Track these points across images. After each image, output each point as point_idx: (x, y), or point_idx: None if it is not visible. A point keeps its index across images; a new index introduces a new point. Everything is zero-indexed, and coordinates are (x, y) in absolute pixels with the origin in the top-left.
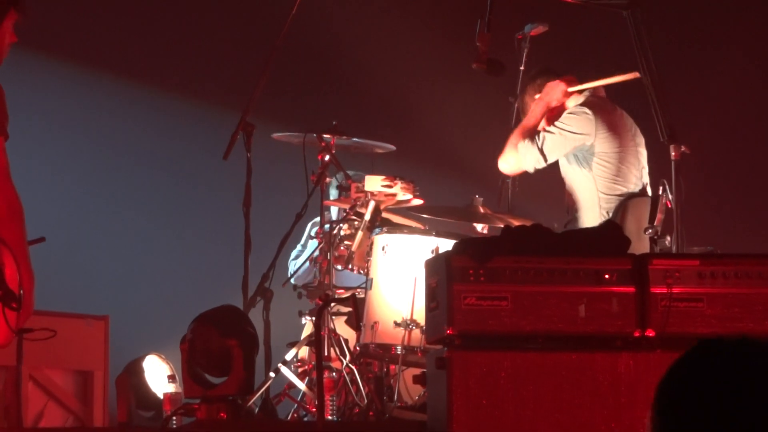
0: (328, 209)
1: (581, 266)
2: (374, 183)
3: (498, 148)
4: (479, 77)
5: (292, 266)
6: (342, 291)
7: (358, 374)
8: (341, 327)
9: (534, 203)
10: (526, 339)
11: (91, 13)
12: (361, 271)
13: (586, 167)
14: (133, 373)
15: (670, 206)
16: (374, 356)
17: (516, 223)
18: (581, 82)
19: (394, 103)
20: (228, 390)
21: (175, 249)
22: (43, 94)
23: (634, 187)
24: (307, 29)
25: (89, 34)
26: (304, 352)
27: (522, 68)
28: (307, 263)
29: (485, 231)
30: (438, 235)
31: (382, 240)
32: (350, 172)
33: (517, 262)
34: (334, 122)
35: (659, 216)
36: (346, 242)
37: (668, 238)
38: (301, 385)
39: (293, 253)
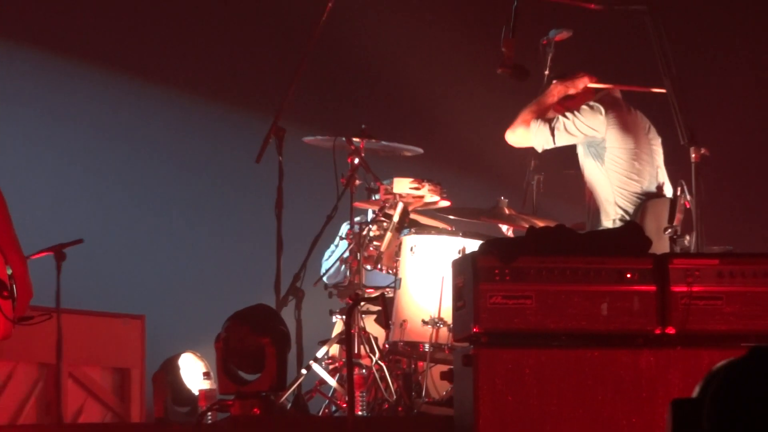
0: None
1: (603, 266)
2: (402, 185)
3: (519, 149)
4: (505, 82)
5: (325, 266)
6: (371, 290)
7: (387, 371)
8: (371, 325)
9: (558, 205)
10: (550, 337)
11: (130, 21)
12: (390, 271)
13: (599, 161)
14: (170, 370)
15: (688, 206)
16: (403, 353)
17: (540, 224)
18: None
19: (422, 107)
20: (261, 386)
21: (209, 250)
22: (88, 103)
23: (648, 184)
24: (336, 35)
25: (132, 42)
26: (334, 349)
27: (547, 72)
28: (338, 263)
29: (510, 232)
30: (464, 235)
31: (410, 241)
32: (386, 181)
33: (541, 262)
34: (363, 126)
35: (678, 216)
36: (375, 243)
37: (687, 237)
38: (332, 382)
39: (326, 253)
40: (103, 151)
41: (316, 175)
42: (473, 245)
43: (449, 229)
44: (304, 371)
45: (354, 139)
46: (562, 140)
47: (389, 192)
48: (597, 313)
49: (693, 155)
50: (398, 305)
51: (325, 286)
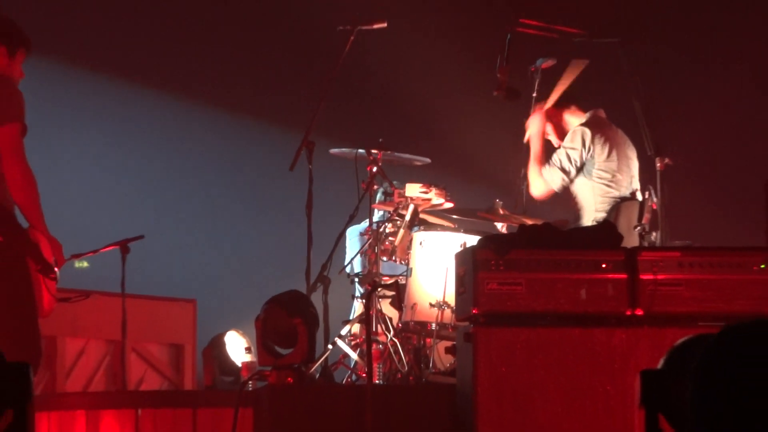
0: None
1: (582, 257)
2: (413, 189)
3: (514, 160)
4: (500, 102)
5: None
6: (387, 278)
7: (400, 346)
8: (386, 308)
9: (544, 206)
10: (537, 317)
11: (179, 44)
12: (403, 262)
13: (587, 176)
14: (217, 345)
15: (655, 208)
16: (413, 331)
17: (530, 222)
18: (584, 108)
19: (430, 123)
20: (294, 359)
21: (251, 244)
22: (147, 119)
23: (625, 191)
24: (357, 61)
25: (184, 66)
26: (356, 328)
27: (534, 95)
28: (359, 257)
29: (504, 229)
30: (465, 232)
31: (419, 236)
32: (395, 182)
33: (530, 255)
34: (380, 139)
35: (647, 216)
36: (390, 238)
37: (654, 234)
38: (354, 356)
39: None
40: (161, 160)
41: (340, 181)
42: (473, 240)
43: (453, 226)
44: (330, 346)
45: (373, 151)
46: (573, 170)
47: (402, 195)
48: (577, 297)
49: (658, 164)
50: (409, 291)
51: (348, 274)
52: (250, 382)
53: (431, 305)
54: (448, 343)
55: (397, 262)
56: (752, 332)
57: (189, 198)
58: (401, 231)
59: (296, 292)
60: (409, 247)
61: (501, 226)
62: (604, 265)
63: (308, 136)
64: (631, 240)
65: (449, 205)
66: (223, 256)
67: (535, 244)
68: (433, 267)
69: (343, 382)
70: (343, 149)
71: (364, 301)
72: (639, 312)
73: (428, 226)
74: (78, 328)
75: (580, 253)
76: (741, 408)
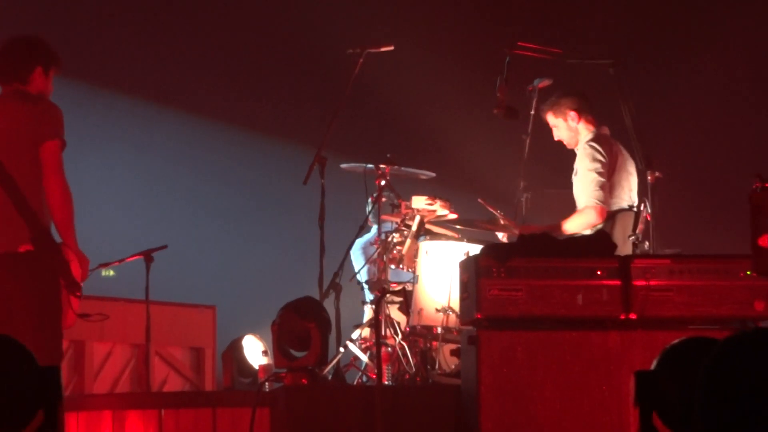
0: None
1: (578, 265)
2: (419, 202)
3: (511, 172)
4: (499, 119)
5: (356, 255)
6: (395, 285)
7: (408, 349)
8: (395, 313)
9: (541, 216)
10: (536, 321)
11: (206, 70)
12: (410, 270)
13: None
14: (235, 349)
15: (648, 218)
16: (420, 335)
17: (529, 232)
18: (598, 122)
19: (434, 139)
20: (308, 362)
21: (267, 254)
22: (168, 137)
23: (624, 203)
24: (366, 81)
25: (202, 83)
26: (366, 332)
27: (532, 113)
28: (368, 265)
29: (505, 238)
30: (468, 241)
31: (425, 246)
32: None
33: (529, 262)
34: (388, 155)
35: (640, 226)
36: (398, 247)
37: (647, 243)
38: (364, 358)
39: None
40: (184, 176)
41: (350, 194)
42: (476, 249)
43: (456, 236)
44: (342, 349)
45: (381, 166)
46: (605, 187)
47: (409, 207)
48: (574, 302)
49: (649, 177)
50: (416, 297)
51: (358, 281)
52: (267, 383)
53: (437, 310)
54: (453, 346)
55: (405, 270)
56: (756, 340)
57: (209, 211)
58: (408, 241)
59: (310, 298)
60: (415, 256)
61: (502, 236)
62: (599, 272)
63: (321, 152)
64: (626, 249)
65: (453, 216)
66: (241, 264)
67: (534, 253)
68: (439, 274)
69: (355, 383)
70: (353, 164)
71: (373, 306)
72: (632, 316)
73: (433, 236)
74: (105, 333)
75: (577, 261)
76: (746, 412)
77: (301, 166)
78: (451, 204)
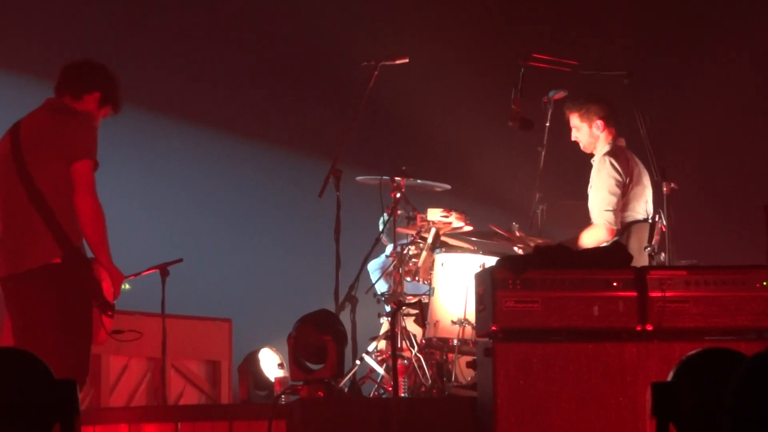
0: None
1: (594, 276)
2: (435, 214)
3: (526, 184)
4: (515, 132)
5: (374, 277)
6: (411, 297)
7: (424, 361)
8: (411, 325)
9: (557, 228)
10: (553, 333)
11: (211, 78)
12: (425, 282)
13: None
14: (251, 361)
15: (664, 230)
16: (436, 347)
17: (544, 243)
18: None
19: (450, 152)
20: (324, 374)
21: (283, 266)
22: (189, 152)
23: (638, 215)
24: (381, 94)
25: (216, 98)
26: (382, 344)
27: (548, 124)
28: (383, 278)
29: (520, 250)
30: (484, 253)
31: (441, 258)
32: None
33: (545, 274)
34: (403, 167)
35: (656, 237)
36: (413, 260)
37: (663, 254)
38: (380, 370)
39: (373, 263)
40: (200, 189)
41: (366, 206)
42: (491, 261)
43: (472, 248)
44: (358, 362)
45: (396, 178)
46: (617, 208)
47: (424, 219)
48: (590, 313)
49: (664, 189)
50: (432, 309)
51: (375, 294)
52: (283, 396)
53: (453, 322)
54: (469, 358)
55: (420, 282)
56: None
57: (225, 224)
58: (424, 253)
59: (326, 311)
60: (431, 268)
61: (517, 248)
62: (615, 284)
63: (336, 165)
64: (642, 260)
65: (468, 228)
66: (257, 278)
67: (549, 264)
68: (454, 286)
69: (371, 395)
70: (369, 177)
71: (389, 319)
72: (649, 327)
73: (449, 248)
74: (121, 347)
75: (592, 273)
76: None
77: (316, 178)
78: (467, 216)
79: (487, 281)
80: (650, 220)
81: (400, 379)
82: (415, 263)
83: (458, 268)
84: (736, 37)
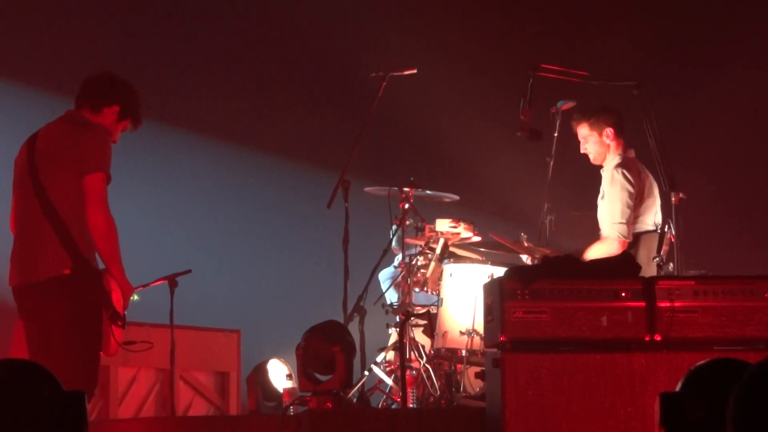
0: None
1: (603, 287)
2: (443, 224)
3: (535, 195)
4: (524, 142)
5: (384, 286)
6: (419, 308)
7: (433, 372)
8: (419, 335)
9: (565, 238)
10: (561, 343)
11: (219, 89)
12: (434, 293)
13: None
14: (260, 372)
15: (672, 240)
16: (445, 358)
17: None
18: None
19: (458, 163)
20: (333, 385)
21: (291, 277)
22: (197, 163)
23: (648, 226)
24: (390, 105)
25: (224, 109)
26: (390, 355)
27: (556, 135)
28: (392, 289)
29: (529, 261)
30: (493, 264)
31: (449, 268)
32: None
33: (553, 284)
34: (412, 178)
35: (665, 248)
36: (422, 270)
37: (671, 264)
38: (389, 381)
39: (384, 273)
40: (206, 200)
41: (374, 217)
42: (500, 272)
43: (480, 259)
44: (366, 373)
45: (405, 189)
46: (629, 220)
47: (433, 230)
48: (598, 324)
49: (673, 199)
50: (440, 319)
51: (383, 304)
52: (292, 407)
53: (461, 333)
54: (478, 369)
55: (429, 293)
56: None
57: (234, 235)
58: (432, 264)
59: (334, 322)
60: (439, 279)
61: (526, 258)
62: (623, 294)
63: (344, 176)
64: (650, 270)
65: (477, 238)
66: (265, 288)
67: (558, 275)
68: (463, 297)
69: (379, 406)
70: (377, 188)
71: (398, 329)
72: (657, 337)
73: (457, 259)
74: (129, 358)
75: (601, 283)
76: None
77: (324, 189)
78: (475, 226)
79: (495, 292)
80: (659, 231)
81: (409, 390)
82: (424, 274)
83: (467, 279)
84: (745, 47)
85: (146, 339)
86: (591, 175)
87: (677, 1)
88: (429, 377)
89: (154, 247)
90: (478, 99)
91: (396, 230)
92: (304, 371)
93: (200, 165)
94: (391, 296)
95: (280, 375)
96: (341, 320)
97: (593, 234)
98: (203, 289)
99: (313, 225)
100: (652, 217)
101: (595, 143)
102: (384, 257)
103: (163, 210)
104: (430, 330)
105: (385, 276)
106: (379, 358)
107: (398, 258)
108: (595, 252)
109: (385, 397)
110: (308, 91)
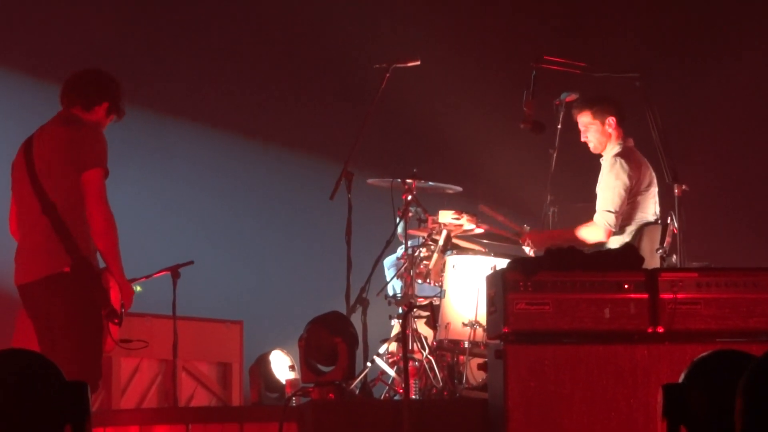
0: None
1: (606, 279)
2: (446, 216)
3: (538, 186)
4: (527, 134)
5: (388, 275)
6: (422, 299)
7: (435, 363)
8: (422, 327)
9: None
10: (563, 335)
11: (221, 79)
12: (437, 284)
13: None
14: (262, 363)
15: (675, 232)
16: (447, 349)
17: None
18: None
19: (461, 154)
20: (335, 376)
21: (294, 268)
22: (199, 152)
23: (649, 217)
24: (392, 96)
25: (226, 99)
26: (393, 346)
27: (559, 127)
28: (395, 279)
29: (532, 252)
30: (495, 255)
31: (452, 260)
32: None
33: (556, 276)
34: (414, 169)
35: (668, 240)
36: (424, 262)
37: (674, 256)
38: (391, 372)
39: (388, 261)
40: (211, 191)
41: (377, 209)
42: (502, 263)
43: (483, 250)
44: (369, 364)
45: (407, 180)
46: (619, 210)
47: (435, 222)
48: (601, 316)
49: (676, 191)
50: (443, 311)
51: (386, 296)
52: (294, 398)
53: (464, 324)
54: (480, 360)
55: (432, 284)
56: None
57: (236, 226)
58: (435, 255)
59: (337, 313)
60: (442, 270)
61: (528, 250)
62: (626, 286)
63: (347, 167)
64: (653, 262)
65: (479, 230)
66: (268, 280)
67: (561, 267)
68: (466, 289)
69: (382, 397)
70: (380, 179)
71: (400, 321)
72: (660, 329)
73: (460, 251)
74: (131, 349)
75: (604, 275)
76: None
77: (327, 181)
78: (478, 218)
79: (498, 283)
80: (661, 222)
81: (411, 381)
82: (426, 265)
83: (469, 270)
84: (749, 39)
85: (148, 330)
86: (594, 167)
87: None
88: (431, 368)
89: (156, 238)
90: (482, 91)
91: (399, 221)
92: (306, 362)
93: (203, 156)
94: (396, 285)
95: (282, 366)
96: (344, 311)
97: None
98: (206, 280)
99: (316, 216)
100: (652, 206)
101: (597, 132)
102: (387, 248)
103: (166, 201)
104: (433, 321)
105: (390, 262)
106: (381, 350)
107: (401, 249)
108: (580, 234)
109: (387, 388)
110: (311, 82)
